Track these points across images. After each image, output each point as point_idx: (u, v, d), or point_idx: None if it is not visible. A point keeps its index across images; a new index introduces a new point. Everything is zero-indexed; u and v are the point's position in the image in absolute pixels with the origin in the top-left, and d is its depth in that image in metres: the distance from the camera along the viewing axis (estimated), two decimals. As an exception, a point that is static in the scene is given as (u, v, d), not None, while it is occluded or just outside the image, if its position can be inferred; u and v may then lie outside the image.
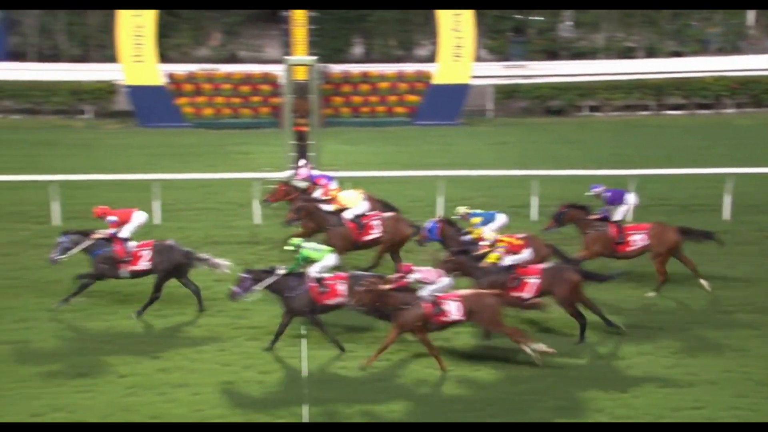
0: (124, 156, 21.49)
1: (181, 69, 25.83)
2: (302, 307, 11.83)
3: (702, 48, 29.57)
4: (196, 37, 29.44)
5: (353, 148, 22.49)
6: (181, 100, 24.92)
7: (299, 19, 23.07)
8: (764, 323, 12.55)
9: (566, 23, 30.48)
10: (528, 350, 11.34)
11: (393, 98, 25.37)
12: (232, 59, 29.35)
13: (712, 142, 23.04)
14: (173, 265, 12.88)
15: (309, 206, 14.37)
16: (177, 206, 17.40)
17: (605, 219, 13.84)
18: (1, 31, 28.29)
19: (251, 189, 17.03)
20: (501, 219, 13.45)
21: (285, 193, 15.26)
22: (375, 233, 14.15)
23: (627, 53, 29.53)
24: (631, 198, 14.30)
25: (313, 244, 12.32)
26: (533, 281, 12.05)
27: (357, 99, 25.39)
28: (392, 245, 14.05)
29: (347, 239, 14.06)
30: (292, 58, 20.35)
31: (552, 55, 29.63)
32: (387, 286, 11.38)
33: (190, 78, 25.32)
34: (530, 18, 30.10)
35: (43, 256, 13.28)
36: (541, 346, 11.34)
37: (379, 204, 15.00)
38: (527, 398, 10.65)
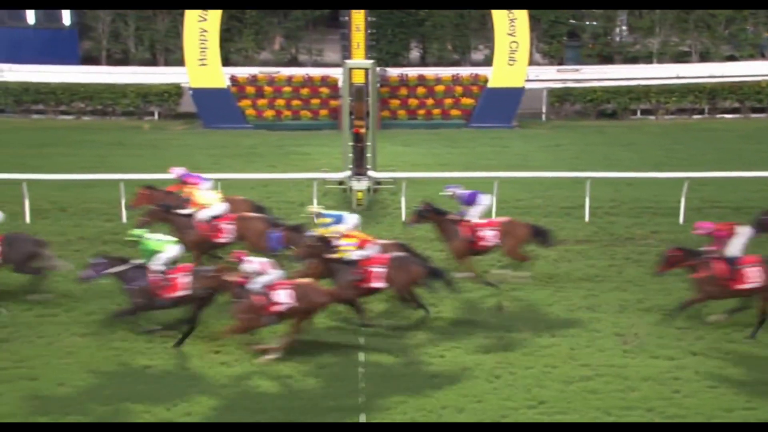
0: (188, 156, 21.78)
1: (243, 72, 26.42)
2: (140, 300, 11.96)
3: (757, 52, 29.39)
4: (259, 42, 30.09)
5: (409, 150, 22.77)
6: (244, 102, 25.51)
7: (358, 23, 23.44)
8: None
9: (621, 27, 30.49)
10: (273, 354, 11.47)
11: (448, 101, 25.66)
12: (293, 63, 29.98)
13: (766, 146, 22.86)
14: (24, 256, 13.06)
15: (159, 211, 14.32)
16: (239, 205, 17.94)
17: (459, 220, 14.05)
18: (75, 36, 29.21)
19: (310, 189, 17.50)
20: (352, 220, 13.53)
21: (147, 197, 15.19)
22: (227, 236, 14.10)
23: (681, 57, 29.48)
24: (486, 199, 14.51)
25: (156, 235, 12.43)
26: (379, 270, 12.21)
27: (413, 102, 25.73)
28: (249, 247, 13.70)
29: (199, 241, 14.03)
30: (351, 61, 20.65)
31: (606, 59, 29.70)
32: (232, 278, 11.57)
33: (252, 81, 25.87)
34: (585, 23, 30.22)
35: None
36: (270, 356, 11.47)
37: (249, 206, 14.95)
38: (578, 397, 10.92)
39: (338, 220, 13.33)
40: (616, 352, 11.87)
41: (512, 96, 24.91)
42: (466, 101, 25.60)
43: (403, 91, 25.81)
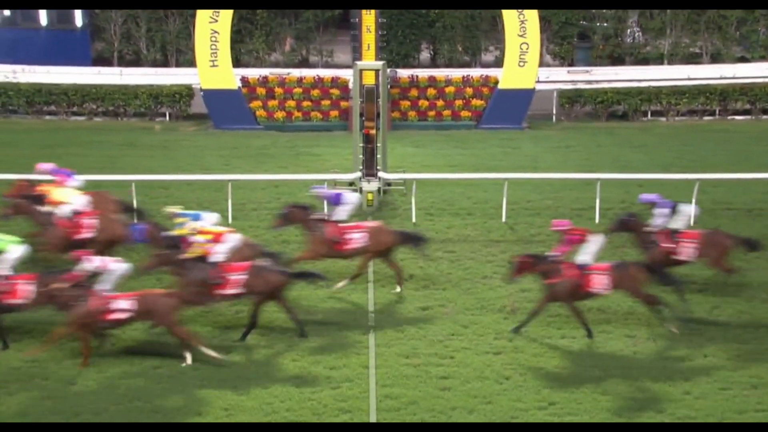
0: (199, 157, 22.00)
1: (254, 73, 26.44)
2: None
3: (768, 54, 29.32)
4: (269, 43, 30.16)
5: (420, 151, 22.78)
6: (254, 104, 25.56)
7: (369, 24, 23.43)
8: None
9: (634, 29, 30.40)
10: (209, 352, 11.44)
11: (459, 102, 25.65)
12: (304, 64, 30.02)
13: (777, 148, 22.90)
14: None
15: (23, 204, 14.25)
16: (249, 206, 17.86)
17: (325, 220, 14.05)
18: (87, 37, 29.32)
19: (321, 189, 17.64)
20: (210, 219, 13.43)
21: (24, 189, 15.03)
22: (87, 232, 14.02)
23: (692, 59, 29.40)
24: (352, 198, 14.50)
25: None
26: (238, 277, 12.15)
27: (424, 103, 25.72)
28: (105, 245, 13.69)
29: (60, 238, 13.98)
30: (362, 62, 20.64)
31: (617, 60, 29.65)
32: (59, 285, 11.45)
33: (263, 82, 25.91)
34: (596, 24, 30.18)
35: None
36: (210, 352, 11.44)
37: (116, 205, 14.87)
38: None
39: (195, 218, 13.26)
40: (627, 353, 11.91)
41: (522, 97, 24.89)
42: (477, 102, 25.59)
43: (414, 93, 25.82)
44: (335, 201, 14.42)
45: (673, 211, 13.97)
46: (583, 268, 12.39)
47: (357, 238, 13.83)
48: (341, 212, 14.32)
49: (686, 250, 13.59)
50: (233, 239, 12.73)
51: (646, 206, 14.35)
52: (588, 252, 12.56)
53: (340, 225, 14.03)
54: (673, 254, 13.59)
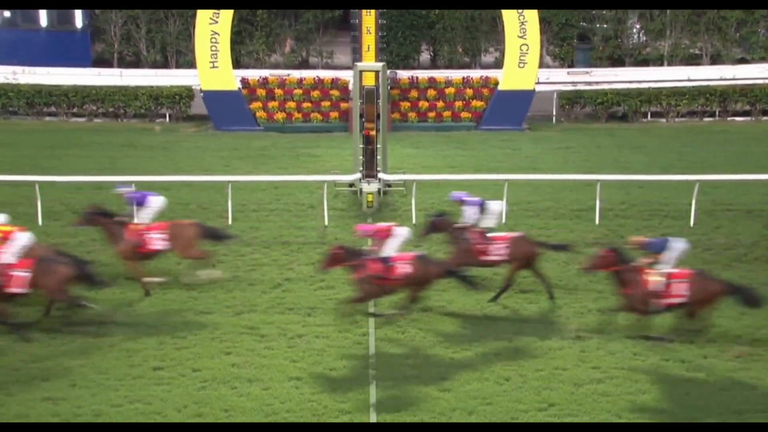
0: (199, 158, 22.03)
1: (254, 74, 26.49)
2: None
3: (768, 55, 29.37)
4: (269, 44, 30.20)
5: (419, 152, 22.79)
6: (254, 105, 25.60)
7: (369, 26, 23.45)
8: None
9: (636, 28, 30.42)
10: None
11: (459, 103, 25.70)
12: (304, 65, 30.08)
13: (777, 149, 22.91)
14: None
15: None
16: (249, 207, 17.88)
17: (124, 223, 13.94)
18: (87, 39, 29.37)
19: (321, 191, 17.55)
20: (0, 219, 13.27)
21: None
22: None
23: (692, 60, 29.44)
24: (159, 200, 14.31)
25: None
26: (22, 274, 12.04)
27: (423, 104, 25.76)
28: None
29: None
30: (362, 63, 20.67)
31: (617, 61, 29.70)
32: None
33: (263, 83, 25.96)
34: (596, 25, 30.22)
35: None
36: None
37: None
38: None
39: None
40: (627, 354, 11.89)
41: (522, 98, 24.92)
42: (477, 104, 25.62)
43: (414, 94, 25.85)
44: (140, 203, 14.20)
45: (482, 208, 13.92)
46: (387, 260, 12.61)
47: (156, 240, 13.73)
48: (145, 215, 14.11)
49: (496, 252, 13.49)
50: (23, 238, 12.51)
51: (456, 204, 14.27)
52: (391, 245, 12.78)
53: (140, 227, 13.86)
54: (483, 255, 13.56)
